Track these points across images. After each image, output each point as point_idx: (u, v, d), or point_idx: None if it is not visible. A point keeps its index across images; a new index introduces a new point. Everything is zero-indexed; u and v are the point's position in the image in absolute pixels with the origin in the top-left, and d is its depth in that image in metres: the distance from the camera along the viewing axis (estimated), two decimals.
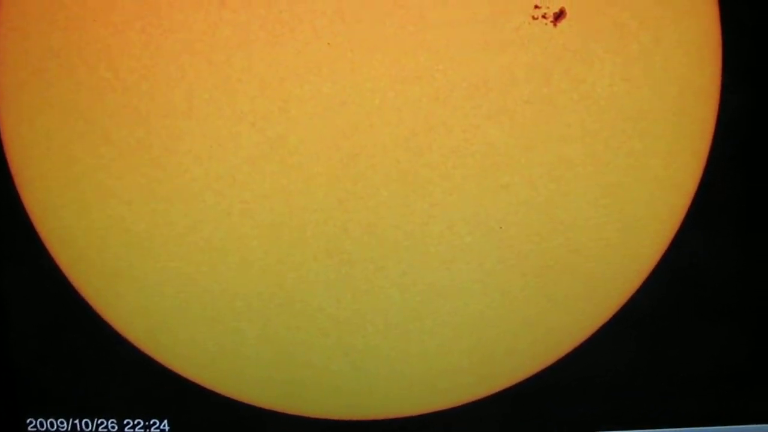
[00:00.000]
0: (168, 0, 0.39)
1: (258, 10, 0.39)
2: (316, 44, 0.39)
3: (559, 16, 0.40)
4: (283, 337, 0.43)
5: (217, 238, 0.42)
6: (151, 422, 0.44)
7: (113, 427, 0.44)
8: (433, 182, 0.41)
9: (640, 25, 0.40)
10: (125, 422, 0.44)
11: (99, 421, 0.44)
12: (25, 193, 0.42)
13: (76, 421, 0.44)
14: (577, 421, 0.45)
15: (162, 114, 0.40)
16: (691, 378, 0.45)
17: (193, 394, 0.44)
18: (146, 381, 0.43)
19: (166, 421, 0.44)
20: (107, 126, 0.41)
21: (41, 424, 0.44)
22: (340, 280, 0.43)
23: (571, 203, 0.42)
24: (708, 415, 0.46)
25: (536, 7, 0.40)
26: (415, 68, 0.40)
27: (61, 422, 0.44)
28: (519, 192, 0.42)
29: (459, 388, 0.45)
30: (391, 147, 0.41)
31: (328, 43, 0.40)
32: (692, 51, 0.41)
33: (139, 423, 0.44)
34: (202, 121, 0.40)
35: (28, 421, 0.44)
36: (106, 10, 0.40)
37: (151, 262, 0.42)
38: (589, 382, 0.45)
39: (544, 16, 0.40)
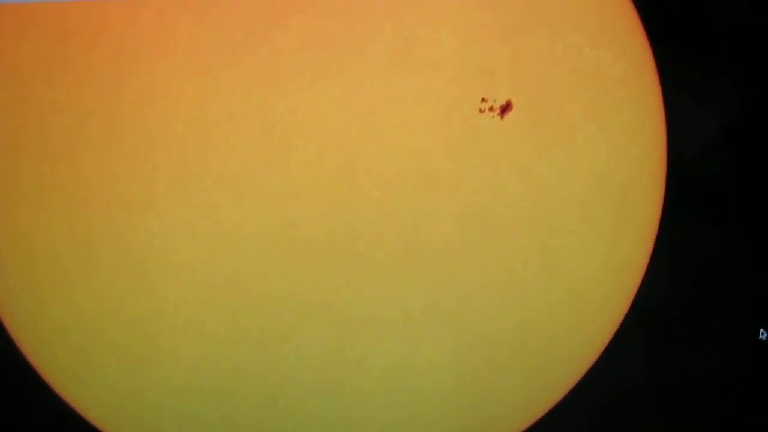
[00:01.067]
0: (125, 95, 0.41)
1: (212, 107, 0.40)
2: (268, 139, 0.41)
3: (506, 108, 0.41)
4: (243, 425, 0.44)
5: (175, 329, 0.43)
6: None
7: None
8: (387, 270, 0.42)
9: (585, 115, 0.41)
10: None
11: None
12: None
13: None
14: None
15: (120, 207, 0.41)
16: None
17: None
18: None
19: None
20: (67, 218, 0.42)
21: None
22: (297, 365, 0.43)
23: (522, 288, 0.43)
24: None
25: (483, 100, 0.41)
26: (364, 162, 0.41)
27: None
28: (471, 279, 0.43)
29: None
30: (344, 236, 0.42)
31: (280, 138, 0.41)
32: (637, 140, 0.42)
33: None
34: (160, 213, 0.41)
35: None
36: (65, 103, 0.41)
37: (113, 351, 0.43)
38: None
39: (490, 109, 0.41)
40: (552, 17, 0.40)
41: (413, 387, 0.44)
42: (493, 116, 0.41)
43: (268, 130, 0.41)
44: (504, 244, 0.42)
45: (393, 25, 0.39)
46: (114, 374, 0.44)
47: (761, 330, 0.45)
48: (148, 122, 0.41)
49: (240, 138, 0.41)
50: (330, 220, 0.42)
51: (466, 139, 0.41)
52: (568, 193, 0.42)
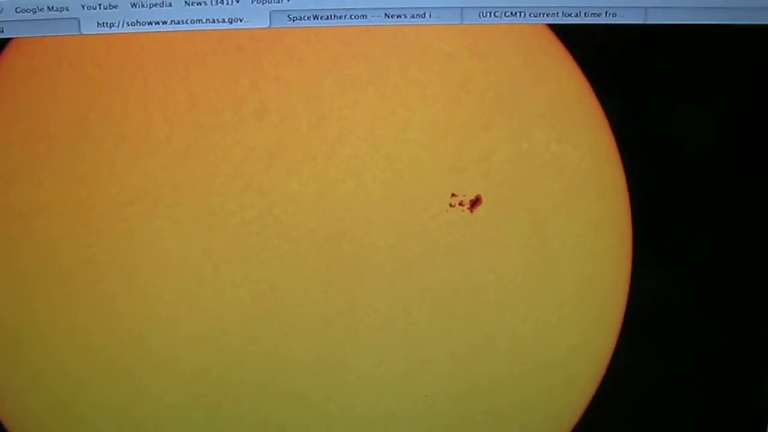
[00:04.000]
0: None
1: (191, 205, 0.41)
2: (246, 234, 0.42)
3: (476, 202, 0.42)
4: None
5: (156, 414, 0.44)
6: None
7: None
8: (361, 357, 0.44)
9: (552, 208, 0.43)
10: None
11: None
12: None
13: None
14: None
15: (102, 300, 0.43)
16: None
17: None
18: None
19: None
20: (48, 319, 0.43)
21: None
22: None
23: (491, 372, 0.44)
24: None
25: (453, 195, 0.42)
26: (338, 255, 0.42)
27: None
28: (442, 364, 0.44)
29: None
30: (319, 329, 0.43)
31: (257, 233, 0.42)
32: (603, 230, 0.43)
33: None
34: (142, 304, 0.43)
35: None
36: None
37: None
38: None
39: (461, 203, 0.42)
40: (520, 114, 0.41)
41: None
42: (463, 210, 0.42)
43: (246, 227, 0.42)
44: (473, 332, 0.44)
45: (364, 125, 0.40)
46: None
47: None
48: (132, 231, 0.42)
49: (219, 235, 0.42)
50: (306, 313, 0.43)
51: (437, 232, 0.42)
52: (537, 283, 0.43)
